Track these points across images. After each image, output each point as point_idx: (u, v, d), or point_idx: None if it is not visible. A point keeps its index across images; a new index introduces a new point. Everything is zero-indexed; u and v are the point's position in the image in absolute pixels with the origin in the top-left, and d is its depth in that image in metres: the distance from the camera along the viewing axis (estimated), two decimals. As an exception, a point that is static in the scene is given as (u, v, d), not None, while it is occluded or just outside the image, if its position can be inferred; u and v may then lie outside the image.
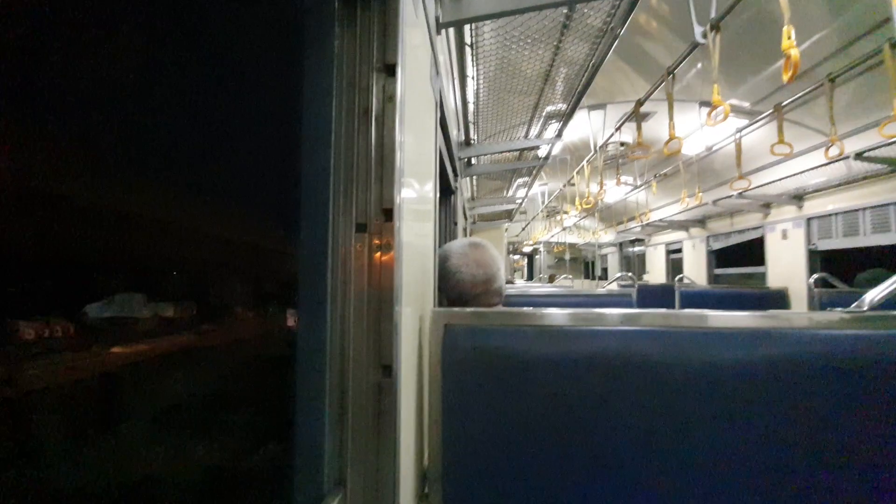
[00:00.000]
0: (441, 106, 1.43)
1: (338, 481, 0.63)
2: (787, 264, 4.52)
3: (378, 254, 0.65)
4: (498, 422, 0.87)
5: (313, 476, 0.61)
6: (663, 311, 0.93)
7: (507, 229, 9.56)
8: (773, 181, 4.07)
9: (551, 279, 10.96)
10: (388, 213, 0.66)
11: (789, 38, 1.53)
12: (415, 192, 0.87)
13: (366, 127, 0.67)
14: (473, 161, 3.46)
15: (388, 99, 0.67)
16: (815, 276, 3.64)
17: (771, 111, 3.28)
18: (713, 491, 0.82)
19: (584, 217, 8.44)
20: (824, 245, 4.12)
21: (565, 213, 8.33)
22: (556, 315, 0.95)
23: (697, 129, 4.14)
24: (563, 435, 0.85)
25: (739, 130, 3.53)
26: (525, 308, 0.97)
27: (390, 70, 0.67)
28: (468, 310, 0.97)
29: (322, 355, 0.62)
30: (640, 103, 2.93)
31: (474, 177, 4.27)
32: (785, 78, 1.56)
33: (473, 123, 2.65)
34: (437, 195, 1.40)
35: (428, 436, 0.92)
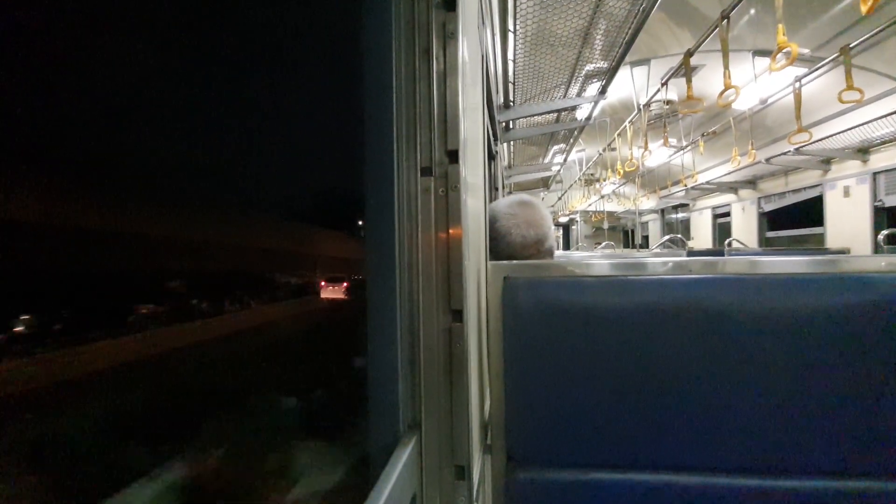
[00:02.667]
0: (485, 61, 1.38)
1: (412, 424, 0.64)
2: (848, 223, 4.25)
3: (444, 197, 0.64)
4: (560, 372, 0.86)
5: (389, 418, 0.62)
6: (730, 258, 0.89)
7: (543, 198, 9.38)
8: (835, 134, 3.78)
9: (595, 247, 10.74)
10: (453, 155, 0.64)
11: (869, -37, 1.38)
12: (471, 142, 0.85)
13: (427, 66, 0.64)
14: (511, 126, 3.37)
15: (450, 35, 0.64)
16: (885, 232, 3.40)
17: (836, 55, 3.02)
18: (785, 436, 0.79)
19: (623, 184, 8.17)
20: (892, 201, 3.83)
21: (604, 179, 8.08)
22: (616, 265, 0.92)
23: (750, 82, 3.87)
24: (627, 384, 0.83)
25: (799, 79, 3.27)
26: (583, 259, 0.94)
27: (450, 5, 0.64)
28: (527, 262, 0.95)
29: (392, 300, 0.62)
30: (689, 54, 2.75)
31: (510, 143, 4.18)
32: (863, 9, 1.41)
33: (512, 84, 2.57)
34: (486, 155, 1.37)
35: (490, 387, 0.92)
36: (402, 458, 0.57)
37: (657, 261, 0.92)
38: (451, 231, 0.64)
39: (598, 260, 0.95)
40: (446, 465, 0.64)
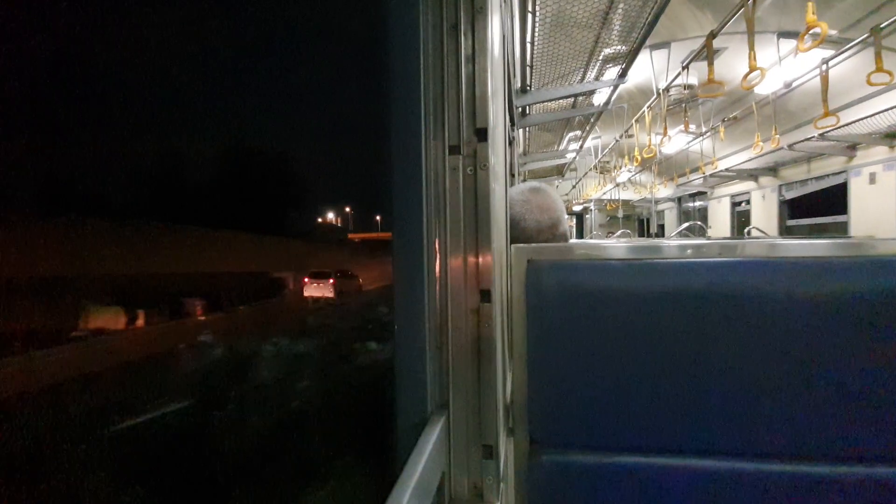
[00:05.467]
0: (505, 43, 1.35)
1: (440, 404, 0.63)
2: (874, 211, 4.13)
3: (472, 176, 0.63)
4: (583, 355, 0.85)
5: (417, 398, 0.62)
6: (762, 240, 0.87)
7: (557, 186, 9.30)
8: (862, 118, 3.67)
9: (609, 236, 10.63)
10: (481, 134, 0.63)
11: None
12: (496, 124, 0.84)
13: (454, 43, 0.63)
14: (527, 111, 3.33)
15: (479, 10, 0.63)
16: (913, 219, 3.31)
17: (865, 36, 2.92)
18: (810, 421, 0.78)
19: (639, 171, 8.05)
20: (921, 188, 3.72)
21: (620, 167, 7.97)
22: (639, 248, 0.91)
23: (774, 65, 3.76)
24: (650, 367, 0.82)
25: (826, 61, 3.17)
26: (608, 242, 0.93)
27: (479, -22, 0.63)
28: (550, 245, 0.94)
29: (420, 280, 0.62)
30: (712, 36, 2.68)
31: (526, 129, 4.13)
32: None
33: (530, 67, 2.53)
34: (507, 138, 1.35)
35: (512, 370, 0.92)
36: (432, 438, 0.57)
37: (682, 243, 0.90)
38: (479, 210, 0.63)
39: (628, 243, 0.94)
40: (474, 444, 0.64)
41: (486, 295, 0.63)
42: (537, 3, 1.88)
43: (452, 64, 0.63)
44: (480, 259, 0.63)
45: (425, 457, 0.53)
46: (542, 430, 0.89)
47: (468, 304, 0.63)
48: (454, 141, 0.63)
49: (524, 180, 6.52)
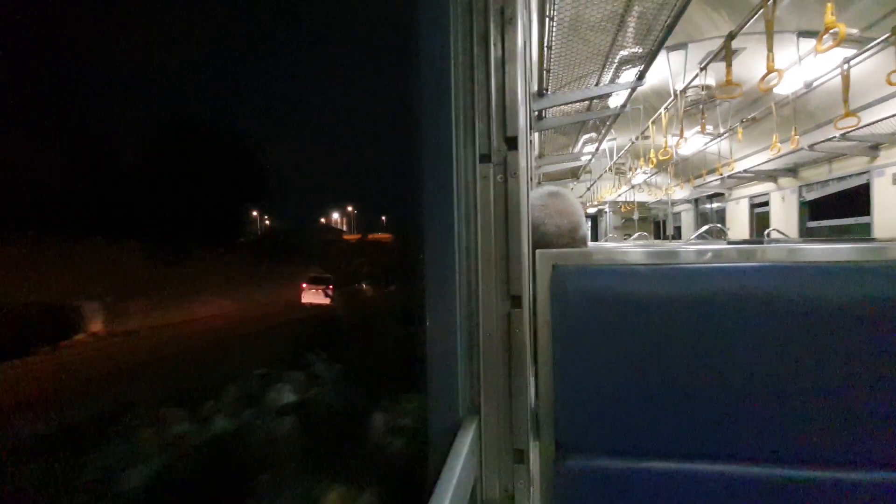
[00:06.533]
0: (525, 48, 1.36)
1: (472, 409, 0.64)
2: (898, 212, 4.04)
3: (503, 184, 0.64)
4: (610, 360, 0.85)
5: (450, 402, 0.62)
6: (789, 245, 0.86)
7: (572, 189, 9.25)
8: (885, 118, 3.59)
9: (625, 238, 10.52)
10: (511, 142, 0.64)
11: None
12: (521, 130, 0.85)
13: (484, 53, 0.64)
14: (543, 115, 3.33)
15: (509, 21, 0.64)
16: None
17: (887, 35, 2.86)
18: (839, 427, 0.77)
19: (655, 173, 7.97)
20: (948, 188, 3.63)
21: (636, 169, 7.90)
22: (665, 253, 0.91)
23: (794, 65, 3.71)
24: (678, 373, 0.82)
25: (847, 61, 3.12)
26: (628, 246, 0.93)
27: (509, -11, 0.64)
28: (574, 250, 0.95)
29: (451, 286, 0.63)
30: (731, 37, 2.66)
31: (541, 132, 4.12)
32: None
33: (547, 71, 2.53)
34: (529, 144, 1.36)
35: (537, 375, 0.93)
36: (466, 442, 0.58)
37: (703, 248, 0.90)
38: (509, 217, 0.64)
39: (645, 248, 0.94)
40: (505, 449, 0.65)
41: (516, 301, 0.64)
42: (555, 7, 1.89)
43: (482, 73, 0.64)
44: (511, 266, 0.64)
45: (461, 461, 0.54)
46: (568, 436, 0.89)
47: (499, 310, 0.64)
48: (484, 150, 0.64)
49: (539, 183, 6.51)
